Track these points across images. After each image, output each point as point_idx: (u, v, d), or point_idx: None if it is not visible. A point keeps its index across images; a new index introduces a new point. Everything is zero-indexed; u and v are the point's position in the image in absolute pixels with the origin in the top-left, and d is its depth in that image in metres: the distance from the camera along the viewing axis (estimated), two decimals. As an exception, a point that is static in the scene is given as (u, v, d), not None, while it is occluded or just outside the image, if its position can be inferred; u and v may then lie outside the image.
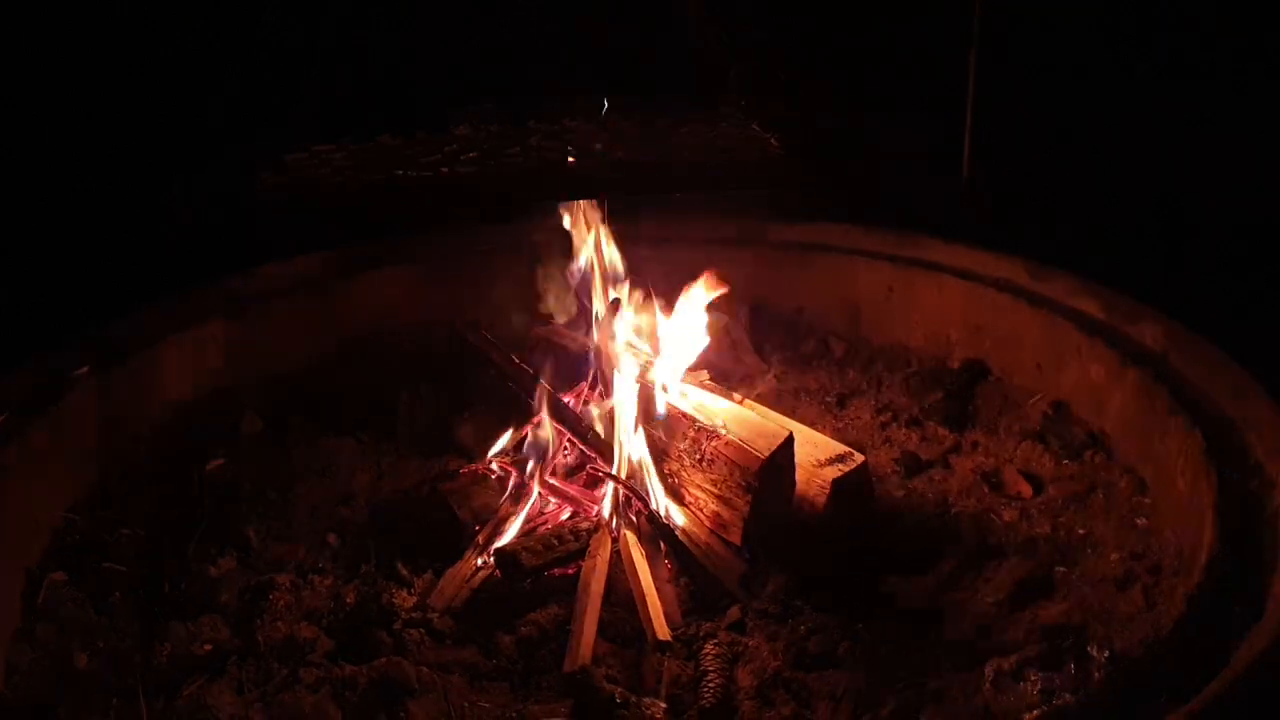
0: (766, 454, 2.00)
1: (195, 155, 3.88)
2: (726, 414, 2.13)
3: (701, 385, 2.31)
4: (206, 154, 3.90)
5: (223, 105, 4.05)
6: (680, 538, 2.11)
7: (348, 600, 2.03)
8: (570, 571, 2.05)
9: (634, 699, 1.74)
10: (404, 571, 2.10)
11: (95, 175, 3.72)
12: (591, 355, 2.31)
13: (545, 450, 2.27)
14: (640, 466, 2.20)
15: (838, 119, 3.91)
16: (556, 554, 2.07)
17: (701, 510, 2.12)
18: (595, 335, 2.37)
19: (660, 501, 2.16)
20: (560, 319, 2.74)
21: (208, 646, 1.89)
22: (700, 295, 2.27)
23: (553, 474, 2.26)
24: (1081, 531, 2.15)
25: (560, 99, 4.42)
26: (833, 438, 2.28)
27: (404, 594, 2.05)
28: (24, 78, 3.66)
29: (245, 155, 4.06)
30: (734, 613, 1.97)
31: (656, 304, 2.40)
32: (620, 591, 2.01)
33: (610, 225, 2.50)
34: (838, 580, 2.05)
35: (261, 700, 1.75)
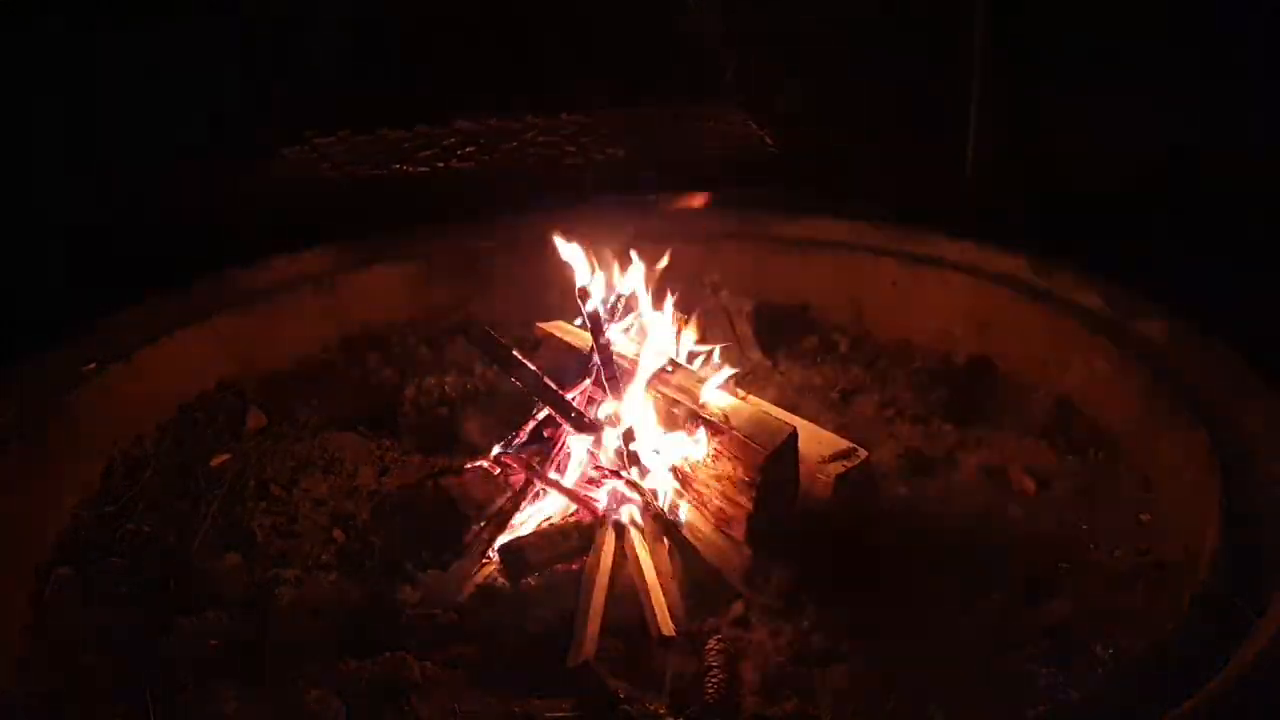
0: (770, 450, 2.00)
1: (197, 148, 3.89)
2: (731, 410, 2.13)
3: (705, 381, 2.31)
4: (208, 147, 3.91)
5: (224, 98, 4.05)
6: (684, 533, 2.11)
7: (352, 596, 2.03)
8: (574, 567, 2.05)
9: (637, 694, 1.74)
10: (408, 567, 2.11)
11: (98, 169, 3.73)
12: (596, 351, 2.31)
13: (550, 446, 2.27)
14: (645, 462, 2.20)
15: (837, 116, 3.91)
16: (561, 550, 2.07)
17: (705, 506, 2.12)
18: (600, 331, 2.37)
19: (664, 497, 2.16)
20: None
21: (213, 642, 1.89)
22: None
23: (557, 469, 2.26)
24: (1085, 528, 2.15)
25: (559, 94, 4.43)
26: (836, 434, 2.28)
27: (408, 589, 2.05)
28: (21, 73, 3.67)
29: (246, 147, 4.08)
30: (738, 608, 1.98)
31: (660, 298, 2.40)
32: (624, 587, 2.01)
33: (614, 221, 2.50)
34: (841, 576, 2.06)
35: (266, 696, 1.76)
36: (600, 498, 2.19)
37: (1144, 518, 2.14)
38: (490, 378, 2.70)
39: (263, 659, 1.84)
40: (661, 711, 1.73)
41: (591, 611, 1.91)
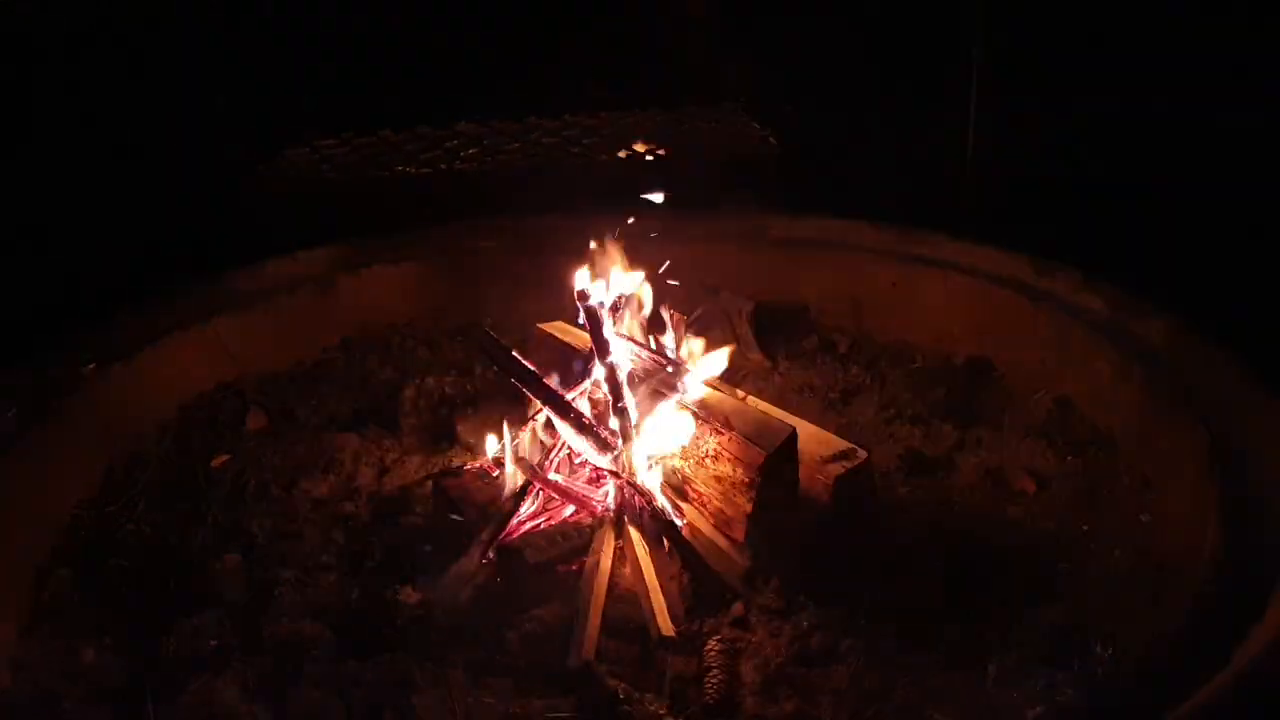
0: (770, 450, 2.00)
1: (199, 150, 3.90)
2: (730, 410, 2.13)
3: (705, 381, 2.31)
4: (210, 149, 3.92)
5: (226, 99, 4.06)
6: (684, 534, 2.11)
7: (352, 596, 2.03)
8: (574, 568, 2.05)
9: (637, 695, 1.74)
10: (408, 567, 2.10)
11: (98, 172, 3.74)
12: (595, 352, 2.31)
13: (548, 446, 2.27)
14: (644, 463, 2.20)
15: (839, 116, 3.91)
16: (560, 550, 2.07)
17: (705, 506, 2.12)
18: (598, 331, 2.37)
19: (663, 498, 2.16)
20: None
21: (213, 642, 1.89)
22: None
23: (556, 470, 2.26)
24: (1085, 528, 2.15)
25: (562, 95, 4.44)
26: (836, 434, 2.28)
27: (407, 590, 2.05)
28: (26, 74, 3.67)
29: (248, 150, 4.09)
30: (737, 609, 1.97)
31: (660, 302, 2.40)
32: (623, 588, 2.02)
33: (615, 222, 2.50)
34: (841, 576, 2.05)
35: (266, 696, 1.76)
36: (600, 498, 2.19)
37: (1144, 518, 2.14)
38: (490, 378, 2.70)
39: (263, 660, 1.84)
40: (661, 711, 1.73)
41: (591, 612, 1.91)
